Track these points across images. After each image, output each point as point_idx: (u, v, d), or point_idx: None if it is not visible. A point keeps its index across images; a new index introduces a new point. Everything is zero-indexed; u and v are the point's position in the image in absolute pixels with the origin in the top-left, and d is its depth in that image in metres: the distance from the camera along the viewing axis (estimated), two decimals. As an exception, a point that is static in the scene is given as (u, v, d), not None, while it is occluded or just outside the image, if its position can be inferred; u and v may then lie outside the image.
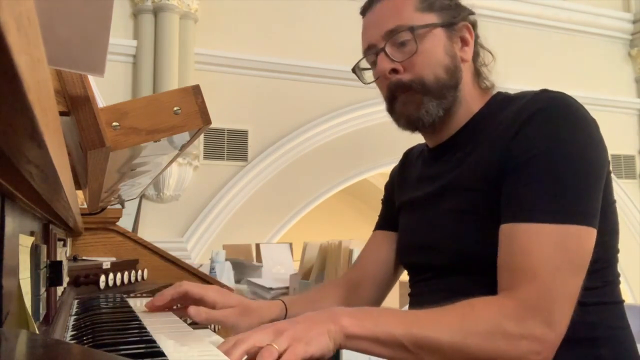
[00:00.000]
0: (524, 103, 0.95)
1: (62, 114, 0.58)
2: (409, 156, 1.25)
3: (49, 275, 0.75)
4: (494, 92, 1.07)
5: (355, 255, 2.64)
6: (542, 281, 0.84)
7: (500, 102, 1.03)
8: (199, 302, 1.03)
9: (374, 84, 1.10)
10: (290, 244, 3.71)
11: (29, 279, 0.59)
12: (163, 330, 0.88)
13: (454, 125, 1.05)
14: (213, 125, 0.80)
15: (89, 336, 0.76)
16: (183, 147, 0.84)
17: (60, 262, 0.79)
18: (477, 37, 1.07)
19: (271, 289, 3.16)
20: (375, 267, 1.22)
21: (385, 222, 1.25)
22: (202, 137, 4.86)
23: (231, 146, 5.19)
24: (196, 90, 0.72)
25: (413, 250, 1.10)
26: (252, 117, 5.25)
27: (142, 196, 4.17)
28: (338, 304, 1.19)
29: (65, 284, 1.03)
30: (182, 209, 4.96)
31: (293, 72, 5.36)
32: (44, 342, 0.40)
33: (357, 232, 5.27)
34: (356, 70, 1.13)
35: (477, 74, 1.07)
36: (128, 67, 4.90)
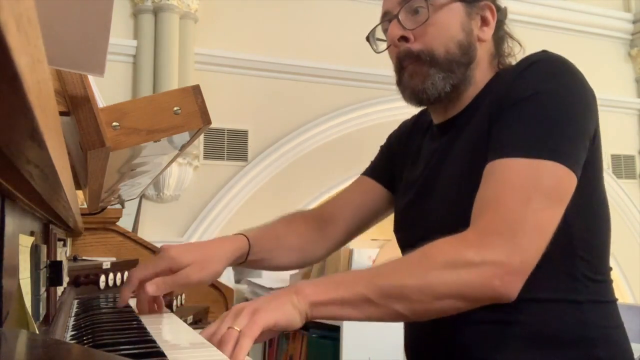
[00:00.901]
0: (521, 60, 0.96)
1: (62, 114, 0.58)
2: (422, 118, 1.20)
3: (49, 275, 0.75)
4: None
5: (355, 255, 2.64)
6: (506, 208, 0.81)
7: (503, 73, 1.01)
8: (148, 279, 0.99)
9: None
10: (290, 244, 3.70)
11: (29, 279, 0.59)
12: (163, 330, 0.88)
13: (462, 104, 1.03)
14: (213, 125, 0.80)
15: (89, 336, 0.76)
16: (183, 147, 0.84)
17: (60, 262, 0.79)
18: (502, 22, 1.05)
19: (271, 289, 3.15)
20: (351, 209, 1.19)
21: (376, 171, 1.22)
22: (202, 137, 4.86)
23: (231, 146, 5.19)
24: (196, 90, 0.72)
25: (409, 225, 1.08)
26: (252, 117, 5.24)
27: (142, 196, 4.17)
28: (304, 239, 1.16)
29: (65, 284, 1.03)
30: (182, 209, 4.96)
31: (293, 72, 5.36)
32: (44, 342, 0.40)
33: (357, 232, 5.27)
34: (370, 37, 1.11)
35: (497, 59, 1.05)
36: (128, 67, 4.89)
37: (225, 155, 5.17)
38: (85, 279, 1.33)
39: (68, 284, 1.19)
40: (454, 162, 0.98)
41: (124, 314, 0.98)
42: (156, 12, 4.90)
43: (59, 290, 0.92)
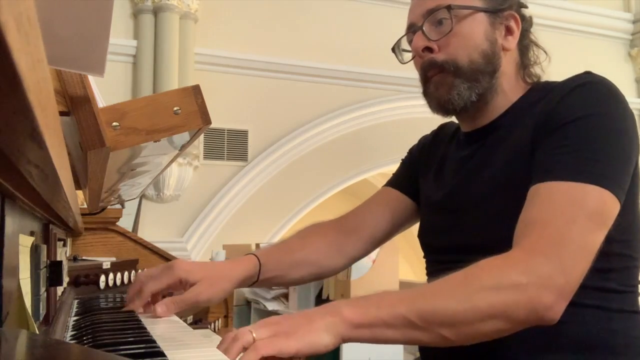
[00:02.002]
0: (565, 81, 0.95)
1: (62, 114, 0.58)
2: (443, 131, 1.21)
3: (49, 275, 0.75)
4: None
5: (355, 255, 2.63)
6: (553, 229, 0.80)
7: (542, 89, 1.01)
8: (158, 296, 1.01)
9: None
10: (290, 244, 3.70)
11: (29, 279, 0.59)
12: (163, 330, 0.88)
13: (492, 113, 1.04)
14: (213, 125, 0.80)
15: (89, 336, 0.76)
16: (183, 147, 0.84)
17: (60, 262, 0.79)
18: (527, 31, 1.06)
19: (271, 289, 3.16)
20: (375, 221, 1.18)
21: (400, 182, 1.22)
22: (202, 137, 4.86)
23: (231, 146, 5.19)
24: (196, 90, 0.72)
25: (439, 230, 1.07)
26: (252, 117, 5.24)
27: (142, 196, 4.17)
28: (321, 253, 1.15)
29: (65, 284, 1.03)
30: (182, 209, 4.96)
31: (293, 72, 5.35)
32: (44, 342, 0.40)
33: (357, 232, 5.27)
34: (395, 49, 1.12)
35: (523, 67, 1.05)
36: (128, 67, 4.89)
37: (225, 155, 5.17)
38: (85, 279, 1.33)
39: (68, 284, 1.19)
40: (491, 172, 0.98)
41: (124, 314, 0.98)
42: (156, 12, 4.90)
43: (59, 290, 0.92)
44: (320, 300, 2.92)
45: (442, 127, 1.22)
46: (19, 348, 0.35)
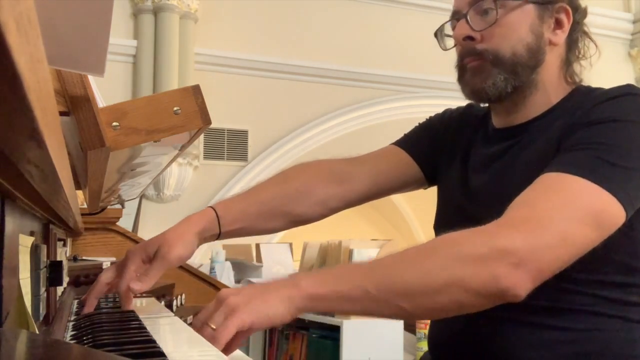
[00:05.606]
0: (606, 90, 0.93)
1: (62, 114, 0.58)
2: (471, 112, 1.14)
3: (49, 275, 0.75)
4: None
5: (355, 255, 2.64)
6: (537, 210, 0.77)
7: (583, 94, 0.98)
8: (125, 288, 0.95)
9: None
10: (290, 244, 3.70)
11: (29, 279, 0.59)
12: (163, 329, 0.88)
13: (529, 110, 1.00)
14: (213, 125, 0.80)
15: (89, 336, 0.76)
16: (183, 147, 0.84)
17: (60, 262, 0.79)
18: (579, 23, 1.02)
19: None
20: (373, 174, 1.12)
21: (410, 144, 1.16)
22: (202, 137, 4.86)
23: (231, 146, 5.19)
24: (196, 90, 0.72)
25: (460, 222, 1.04)
26: (252, 117, 5.24)
27: (142, 196, 4.17)
28: (292, 201, 1.08)
29: (65, 284, 1.03)
30: (182, 209, 4.95)
31: (293, 72, 5.35)
32: (44, 342, 0.40)
33: (357, 232, 5.26)
34: (438, 34, 1.09)
35: (567, 64, 1.01)
36: (128, 67, 4.89)
37: (225, 155, 5.17)
38: (85, 279, 1.33)
39: (68, 284, 1.19)
40: (520, 174, 0.94)
41: (124, 314, 0.98)
42: (156, 12, 4.90)
43: (59, 290, 0.92)
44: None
45: (470, 107, 1.15)
46: (19, 348, 0.35)
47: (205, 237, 1.02)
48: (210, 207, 1.05)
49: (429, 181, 1.16)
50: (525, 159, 0.96)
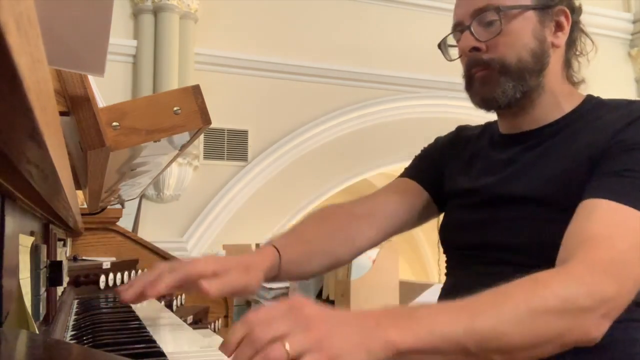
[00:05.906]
0: (630, 103, 0.94)
1: (62, 114, 0.58)
2: (464, 132, 1.17)
3: (49, 275, 0.75)
4: (583, 92, 1.04)
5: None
6: (618, 250, 0.78)
7: (596, 107, 0.99)
8: (197, 279, 0.86)
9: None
10: (290, 244, 3.70)
11: (29, 279, 0.59)
12: (163, 329, 0.88)
13: (538, 115, 1.01)
14: (213, 125, 0.80)
15: (89, 336, 0.76)
16: (183, 147, 0.84)
17: (60, 262, 0.79)
18: (576, 23, 1.03)
19: (271, 288, 3.16)
20: (390, 208, 1.13)
21: (418, 173, 1.17)
22: (202, 137, 4.86)
23: (231, 146, 5.19)
24: (196, 90, 0.72)
25: (470, 227, 1.04)
26: (252, 117, 5.24)
27: (142, 196, 4.17)
28: (333, 241, 1.09)
29: (65, 284, 1.03)
30: (182, 209, 4.96)
31: (293, 72, 5.35)
32: (44, 342, 0.40)
33: (357, 232, 5.25)
34: (442, 45, 1.10)
35: (568, 65, 1.03)
36: (128, 67, 4.90)
37: (225, 155, 5.17)
38: (85, 279, 1.34)
39: (68, 284, 1.19)
40: (538, 180, 0.96)
41: (124, 314, 0.98)
42: (156, 12, 4.90)
43: (59, 290, 0.92)
44: (320, 300, 2.92)
45: (460, 129, 1.18)
46: (19, 348, 0.35)
47: (267, 274, 0.98)
48: (272, 245, 1.01)
49: (438, 204, 1.16)
50: (543, 165, 0.97)
